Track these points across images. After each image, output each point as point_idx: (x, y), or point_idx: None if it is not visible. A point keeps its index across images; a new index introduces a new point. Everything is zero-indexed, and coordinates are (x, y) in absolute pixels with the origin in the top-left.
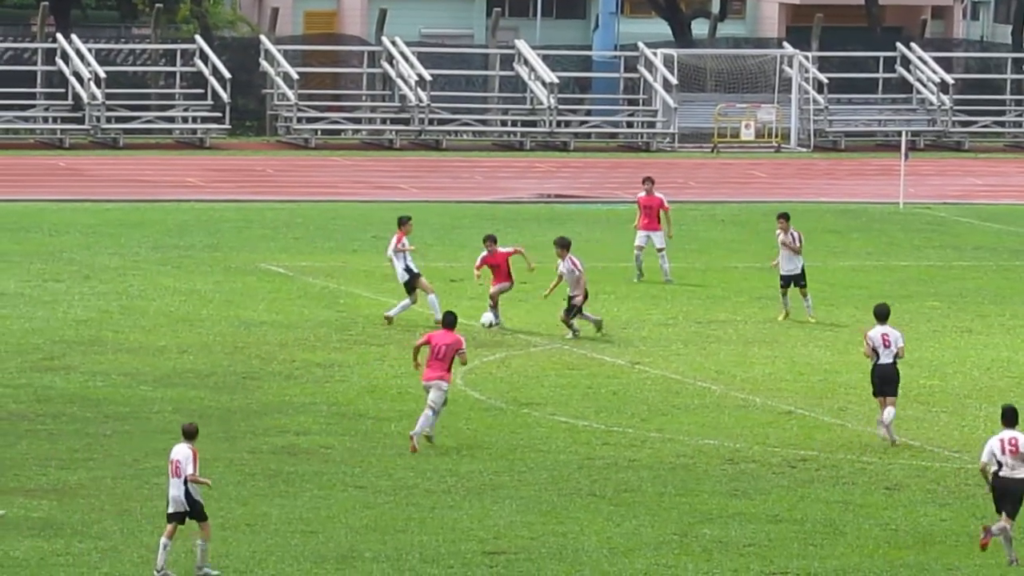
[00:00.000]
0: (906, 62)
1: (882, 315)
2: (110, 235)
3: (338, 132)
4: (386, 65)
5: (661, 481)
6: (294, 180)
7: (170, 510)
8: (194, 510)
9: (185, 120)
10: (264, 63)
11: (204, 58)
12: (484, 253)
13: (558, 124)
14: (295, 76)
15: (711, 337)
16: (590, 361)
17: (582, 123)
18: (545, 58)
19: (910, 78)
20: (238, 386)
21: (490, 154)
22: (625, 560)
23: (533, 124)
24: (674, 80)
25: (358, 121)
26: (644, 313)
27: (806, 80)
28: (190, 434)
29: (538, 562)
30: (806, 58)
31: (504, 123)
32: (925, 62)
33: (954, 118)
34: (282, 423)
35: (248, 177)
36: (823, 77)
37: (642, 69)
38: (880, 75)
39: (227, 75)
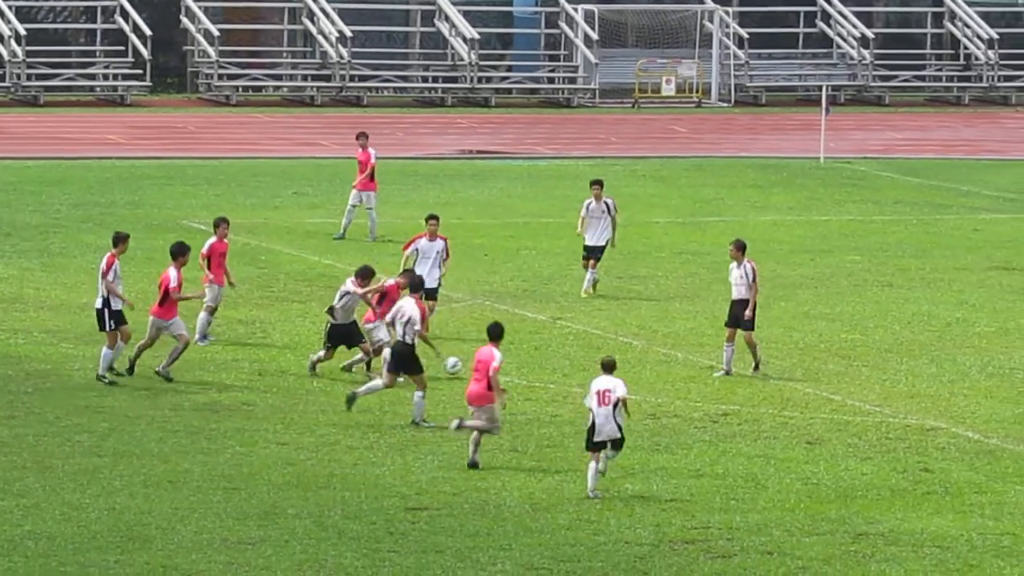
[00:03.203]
0: (826, 17)
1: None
2: (31, 193)
3: (259, 89)
4: (307, 22)
5: (582, 437)
6: (215, 137)
7: (596, 439)
8: (619, 441)
9: (106, 77)
10: (185, 20)
11: (125, 15)
12: (212, 240)
13: (479, 80)
14: (216, 33)
15: (632, 292)
16: (511, 316)
17: (503, 79)
18: (466, 14)
19: (830, 32)
20: (160, 343)
21: (411, 110)
22: (548, 515)
23: (454, 80)
24: (595, 36)
25: (279, 78)
26: (565, 269)
27: (727, 35)
28: (609, 367)
29: (460, 518)
30: (726, 13)
31: (425, 79)
32: (845, 16)
33: (874, 72)
34: (204, 380)
35: (169, 134)
36: (744, 32)
37: (563, 25)
38: (800, 30)
39: (148, 32)
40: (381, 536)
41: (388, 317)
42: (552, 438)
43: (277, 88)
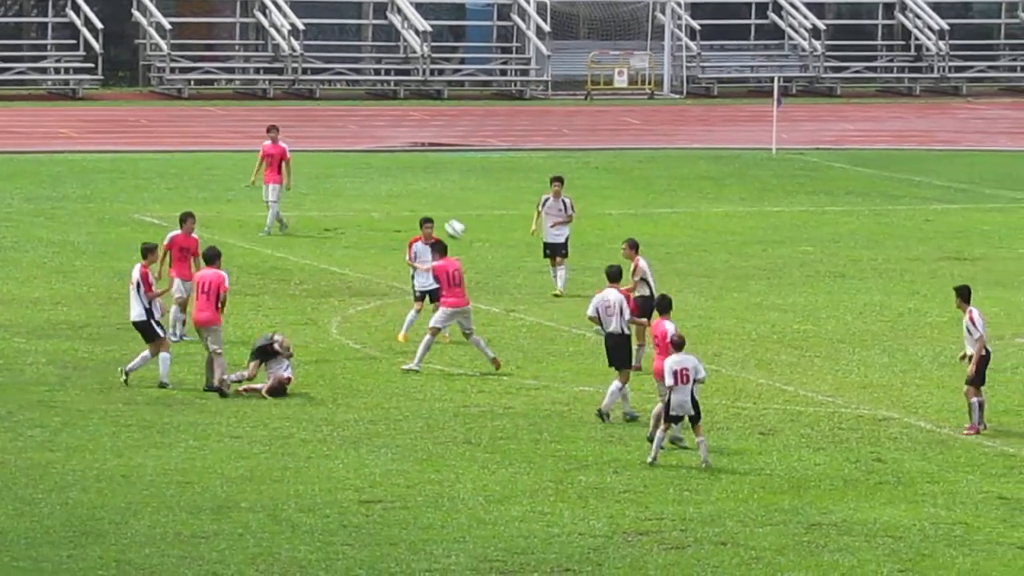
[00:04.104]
0: (778, 8)
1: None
2: None
3: (211, 82)
4: (259, 14)
5: (536, 428)
6: (168, 130)
7: (673, 414)
8: (696, 413)
9: (57, 71)
10: (136, 13)
11: (76, 8)
12: (176, 233)
13: (431, 72)
14: (168, 26)
15: (586, 284)
16: None
17: (455, 71)
18: (418, 6)
19: (782, 24)
20: (113, 337)
21: (364, 103)
22: (501, 507)
23: (407, 73)
24: (547, 27)
25: (231, 71)
26: (519, 261)
27: (679, 27)
28: (680, 344)
29: (414, 510)
30: (678, 5)
31: (378, 72)
32: (797, 8)
33: (826, 64)
34: (157, 374)
35: (121, 128)
36: (695, 24)
37: (515, 17)
38: (752, 21)
39: (99, 25)
40: (335, 529)
41: (591, 312)
42: (506, 430)
43: (229, 81)
